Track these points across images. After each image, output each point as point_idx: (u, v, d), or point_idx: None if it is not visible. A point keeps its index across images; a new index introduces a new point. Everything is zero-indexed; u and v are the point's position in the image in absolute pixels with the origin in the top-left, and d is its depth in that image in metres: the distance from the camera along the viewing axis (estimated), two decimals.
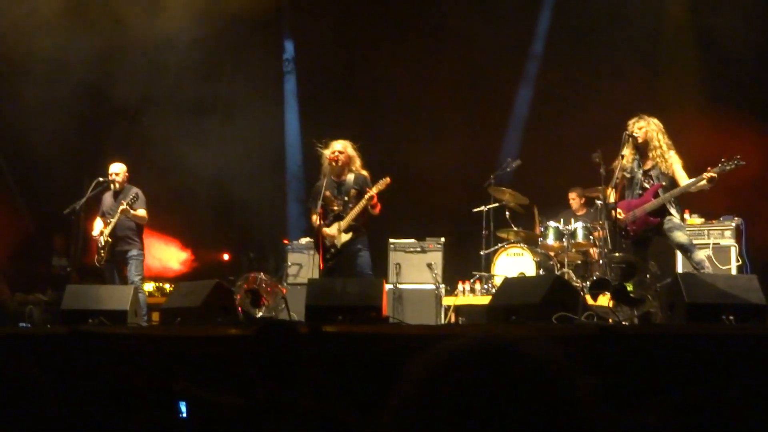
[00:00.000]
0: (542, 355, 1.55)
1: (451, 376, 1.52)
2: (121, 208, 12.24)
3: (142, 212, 12.56)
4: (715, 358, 7.55)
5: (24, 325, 12.11)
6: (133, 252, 12.46)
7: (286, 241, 14.66)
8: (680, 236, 10.48)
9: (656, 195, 10.45)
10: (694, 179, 10.30)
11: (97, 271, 12.87)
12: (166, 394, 5.61)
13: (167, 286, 15.95)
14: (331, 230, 11.36)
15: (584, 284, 10.88)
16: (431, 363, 1.57)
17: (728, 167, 10.17)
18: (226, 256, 17.96)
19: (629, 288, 9.64)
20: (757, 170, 12.62)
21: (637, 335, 8.27)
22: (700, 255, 10.51)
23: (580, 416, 1.52)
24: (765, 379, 6.64)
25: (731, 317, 8.47)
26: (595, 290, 9.91)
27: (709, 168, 10.17)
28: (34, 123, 16.14)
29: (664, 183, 10.47)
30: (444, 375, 1.54)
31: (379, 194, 11.17)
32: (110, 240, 12.36)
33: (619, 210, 10.49)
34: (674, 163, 10.52)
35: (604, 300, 9.82)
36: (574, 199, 14.49)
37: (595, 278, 10.25)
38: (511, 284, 10.57)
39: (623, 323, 9.24)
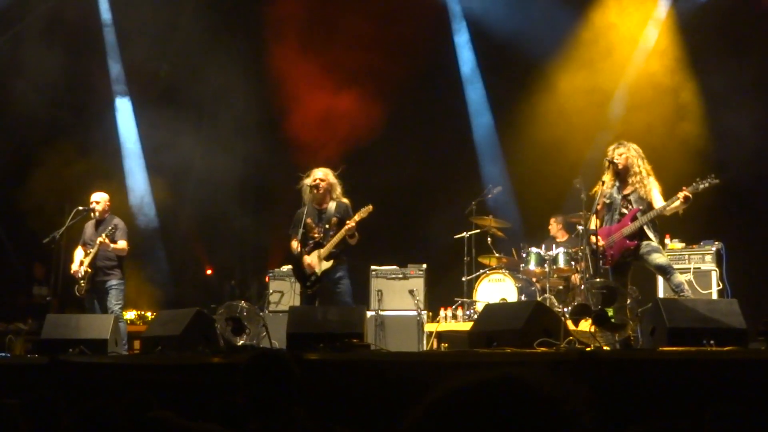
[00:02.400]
0: (553, 390, 1.54)
1: (460, 412, 1.51)
2: (99, 240, 12.19)
3: (122, 244, 12.49)
4: (697, 383, 7.56)
5: (4, 354, 12.01)
6: (113, 282, 12.38)
7: (267, 279, 14.59)
8: (658, 258, 10.46)
9: (634, 219, 10.44)
10: (669, 200, 10.29)
11: (78, 301, 12.80)
12: (141, 423, 5.58)
13: (149, 314, 15.89)
14: (311, 259, 11.36)
15: (566, 310, 10.89)
16: (440, 397, 1.56)
17: (701, 186, 10.17)
18: (208, 271, 17.93)
19: (610, 313, 9.64)
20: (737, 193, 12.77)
21: (618, 360, 8.26)
22: (680, 278, 10.49)
23: None
24: (746, 403, 6.64)
25: (712, 341, 8.49)
26: (577, 316, 9.91)
27: (683, 188, 10.16)
28: (13, 148, 16.17)
29: (641, 207, 10.47)
30: (453, 410, 1.53)
31: (361, 221, 11.18)
32: (90, 270, 12.30)
33: (598, 236, 10.49)
34: (653, 188, 10.51)
35: (586, 325, 9.81)
36: (553, 225, 14.53)
37: (576, 304, 10.24)
38: (492, 310, 10.55)
39: (604, 348, 9.24)
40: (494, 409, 1.51)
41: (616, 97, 15.75)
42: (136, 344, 12.71)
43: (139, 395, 5.97)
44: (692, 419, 5.21)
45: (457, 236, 14.29)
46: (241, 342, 10.56)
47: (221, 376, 8.91)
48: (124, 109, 17.77)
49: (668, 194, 10.39)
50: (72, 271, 12.45)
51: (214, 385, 8.65)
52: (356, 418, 7.72)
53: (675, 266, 11.45)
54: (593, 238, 10.47)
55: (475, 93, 17.28)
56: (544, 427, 1.50)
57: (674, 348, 8.50)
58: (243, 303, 11.14)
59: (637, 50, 15.71)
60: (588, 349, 9.00)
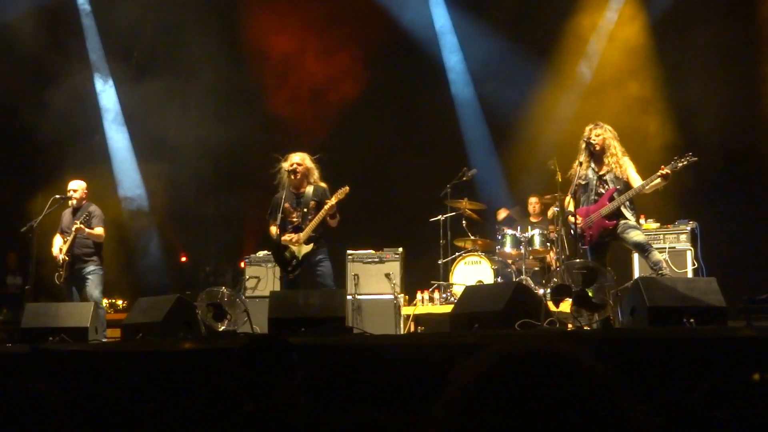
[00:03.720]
0: (590, 363, 1.56)
1: (500, 384, 1.53)
2: (75, 227, 12.15)
3: (99, 230, 12.44)
4: (677, 361, 7.64)
5: None
6: (91, 268, 12.35)
7: (243, 264, 14.56)
8: (636, 235, 10.54)
9: (611, 199, 10.52)
10: (648, 179, 10.37)
11: (52, 290, 12.75)
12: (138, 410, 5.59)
13: (120, 302, 15.85)
14: (291, 247, 11.34)
15: (545, 291, 10.95)
16: (479, 370, 1.57)
17: (680, 164, 10.26)
18: (183, 258, 17.88)
19: (590, 293, 9.70)
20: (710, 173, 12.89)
21: (600, 340, 8.33)
22: (658, 255, 10.57)
23: (626, 424, 1.53)
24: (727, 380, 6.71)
25: (692, 320, 8.59)
26: (557, 296, 9.97)
27: (662, 166, 10.24)
28: None
29: (618, 187, 10.54)
30: (492, 382, 1.54)
31: (338, 204, 11.20)
32: (68, 258, 12.26)
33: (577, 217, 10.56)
34: (628, 168, 10.60)
35: (566, 306, 9.89)
36: (534, 205, 14.49)
37: (555, 284, 10.30)
38: (473, 292, 10.60)
39: (585, 328, 9.32)
40: (543, 383, 1.53)
41: (588, 78, 15.87)
42: (110, 332, 12.67)
43: (132, 383, 5.97)
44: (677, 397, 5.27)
45: (432, 219, 14.31)
46: (223, 328, 10.56)
47: (204, 361, 8.92)
48: (107, 92, 17.66)
49: (643, 174, 10.49)
50: (54, 255, 12.40)
51: (197, 371, 8.67)
52: (341, 402, 7.76)
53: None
54: (572, 219, 10.53)
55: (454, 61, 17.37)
56: (592, 405, 1.52)
57: (655, 327, 8.59)
58: (223, 288, 11.11)
59: (609, 37, 15.82)
60: (569, 329, 9.10)
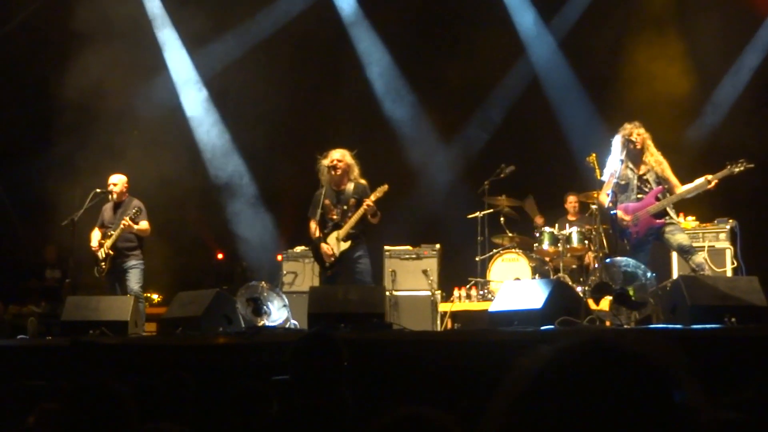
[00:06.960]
0: (652, 355, 1.56)
1: (558, 377, 1.54)
2: (123, 223, 12.17)
3: (144, 224, 12.44)
4: (719, 360, 7.60)
5: (23, 337, 12.03)
6: (133, 262, 12.36)
7: (280, 258, 14.53)
8: (681, 238, 10.56)
9: (658, 198, 10.51)
10: (696, 184, 10.38)
11: (90, 283, 12.82)
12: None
13: (155, 297, 15.93)
14: (330, 243, 11.36)
15: (584, 288, 10.91)
16: (537, 365, 1.58)
17: (737, 170, 10.31)
18: (220, 255, 17.89)
19: (630, 292, 9.67)
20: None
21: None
22: (700, 257, 10.58)
23: (690, 418, 1.53)
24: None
25: (733, 319, 8.55)
26: (597, 294, 9.95)
27: (706, 176, 10.29)
28: (24, 133, 16.12)
29: (665, 186, 10.56)
30: (550, 376, 1.55)
31: (377, 202, 11.19)
32: (112, 252, 12.29)
33: (621, 214, 10.55)
34: (666, 168, 10.63)
35: (605, 304, 9.87)
36: (570, 203, 14.42)
37: (595, 282, 10.28)
38: (512, 289, 10.59)
39: (625, 327, 9.30)
40: (594, 373, 1.53)
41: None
42: (147, 326, 12.71)
43: (176, 375, 6.02)
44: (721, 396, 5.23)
45: (470, 216, 14.28)
46: (263, 322, 10.60)
47: (244, 356, 8.96)
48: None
49: (679, 175, 10.53)
50: (93, 248, 12.41)
51: (236, 365, 8.71)
52: (380, 397, 7.78)
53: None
54: (619, 216, 10.54)
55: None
56: (652, 397, 1.52)
57: (696, 326, 8.55)
58: (263, 283, 11.15)
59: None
60: (609, 327, 9.09)
